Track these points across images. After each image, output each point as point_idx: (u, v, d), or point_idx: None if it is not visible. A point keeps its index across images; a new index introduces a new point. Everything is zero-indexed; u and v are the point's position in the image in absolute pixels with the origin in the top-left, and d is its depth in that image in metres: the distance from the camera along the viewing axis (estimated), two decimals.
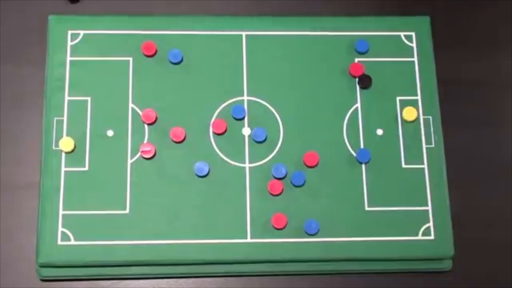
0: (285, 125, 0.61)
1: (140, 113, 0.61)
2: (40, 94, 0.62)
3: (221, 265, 0.59)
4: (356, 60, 0.63)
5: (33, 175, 0.61)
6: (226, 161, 0.60)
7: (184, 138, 0.60)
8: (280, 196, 0.60)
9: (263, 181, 0.60)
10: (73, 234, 0.58)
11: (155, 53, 0.62)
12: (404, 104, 0.62)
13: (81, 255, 0.57)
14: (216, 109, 0.61)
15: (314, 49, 0.63)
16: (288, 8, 0.67)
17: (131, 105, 0.61)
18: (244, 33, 0.63)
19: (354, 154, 0.61)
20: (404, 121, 0.62)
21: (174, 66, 0.62)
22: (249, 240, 0.58)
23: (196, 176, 0.59)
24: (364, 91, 0.63)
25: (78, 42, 0.62)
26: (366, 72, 0.63)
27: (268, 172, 0.60)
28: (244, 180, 0.60)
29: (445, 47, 0.66)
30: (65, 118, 0.60)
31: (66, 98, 0.61)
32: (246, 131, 0.61)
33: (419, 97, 0.63)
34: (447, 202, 0.60)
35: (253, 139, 0.61)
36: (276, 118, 0.62)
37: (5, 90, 0.63)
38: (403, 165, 0.61)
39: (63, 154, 0.59)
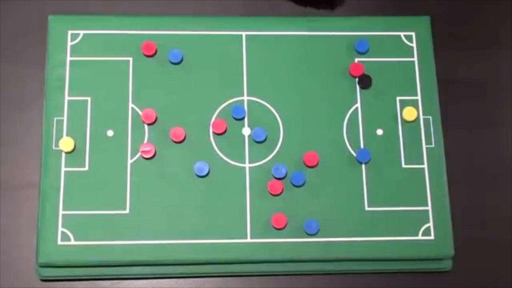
0: (285, 125, 0.61)
1: (140, 113, 0.61)
2: (40, 94, 0.62)
3: (221, 265, 0.59)
4: (356, 60, 0.63)
5: (33, 175, 0.61)
6: (226, 161, 0.60)
7: (184, 138, 0.60)
8: (280, 196, 0.60)
9: (263, 181, 0.60)
10: (73, 234, 0.58)
11: (155, 53, 0.62)
12: (404, 104, 0.62)
13: (81, 255, 0.57)
14: (216, 109, 0.61)
15: (314, 49, 0.63)
16: (288, 8, 0.67)
17: (131, 105, 0.61)
18: (244, 33, 0.63)
19: (354, 154, 0.61)
20: (404, 121, 0.62)
21: (174, 66, 0.62)
22: (249, 240, 0.58)
23: (196, 176, 0.59)
24: (364, 91, 0.63)
25: (78, 42, 0.62)
26: (366, 72, 0.63)
27: (268, 172, 0.60)
28: (244, 180, 0.60)
29: (445, 47, 0.66)
30: (65, 118, 0.60)
31: (66, 98, 0.61)
32: (246, 131, 0.61)
33: (419, 97, 0.63)
34: (447, 202, 0.60)
35: (253, 139, 0.61)
36: (276, 118, 0.62)
37: (5, 90, 0.63)
38: (403, 165, 0.61)
39: (63, 154, 0.59)
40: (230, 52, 0.63)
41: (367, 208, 0.60)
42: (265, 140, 0.61)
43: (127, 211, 0.58)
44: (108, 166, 0.59)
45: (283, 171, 0.60)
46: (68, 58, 0.61)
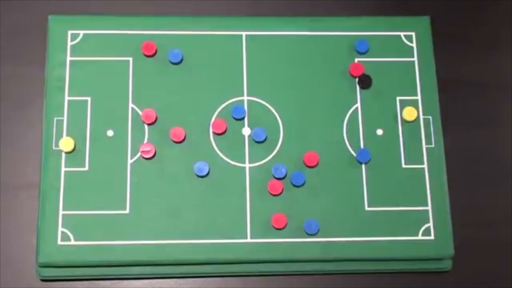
0: (285, 125, 0.61)
1: (140, 113, 0.61)
2: (40, 94, 0.62)
3: (221, 265, 0.59)
4: (356, 60, 0.63)
5: (33, 175, 0.61)
6: (226, 161, 0.60)
7: (184, 138, 0.60)
8: (280, 196, 0.60)
9: (263, 181, 0.60)
10: (73, 234, 0.58)
11: (155, 53, 0.62)
12: (404, 104, 0.62)
13: (81, 255, 0.57)
14: (216, 109, 0.61)
15: (314, 49, 0.63)
16: (288, 8, 0.67)
17: (131, 105, 0.61)
18: (244, 33, 0.63)
19: (354, 154, 0.61)
20: (404, 121, 0.62)
21: (174, 66, 0.62)
22: (249, 240, 0.58)
23: (196, 176, 0.59)
24: (364, 91, 0.63)
25: (78, 42, 0.62)
26: (366, 72, 0.63)
27: (268, 172, 0.60)
28: (244, 180, 0.60)
29: (445, 47, 0.66)
30: (65, 118, 0.60)
31: (66, 98, 0.61)
32: (246, 131, 0.61)
33: (419, 97, 0.63)
34: (447, 202, 0.60)
35: (253, 139, 0.61)
36: (276, 118, 0.62)
37: (5, 90, 0.63)
38: (403, 165, 0.61)
39: (63, 154, 0.59)
40: (230, 52, 0.63)
41: (367, 208, 0.60)
42: (265, 140, 0.61)
43: (127, 211, 0.58)
44: (108, 166, 0.59)
45: (283, 171, 0.60)
46: (68, 58, 0.61)
